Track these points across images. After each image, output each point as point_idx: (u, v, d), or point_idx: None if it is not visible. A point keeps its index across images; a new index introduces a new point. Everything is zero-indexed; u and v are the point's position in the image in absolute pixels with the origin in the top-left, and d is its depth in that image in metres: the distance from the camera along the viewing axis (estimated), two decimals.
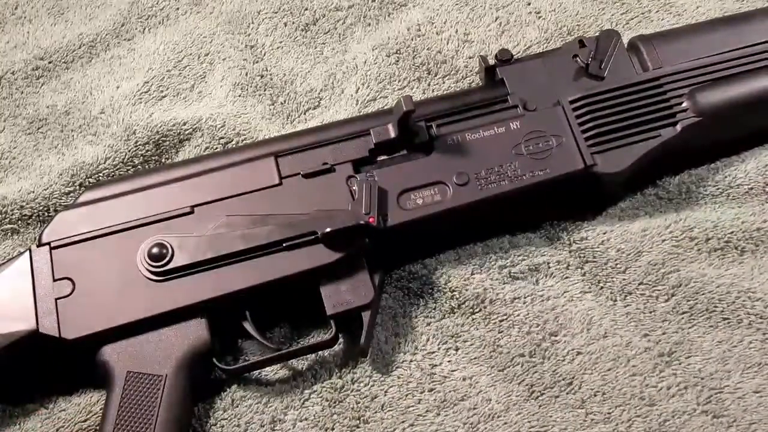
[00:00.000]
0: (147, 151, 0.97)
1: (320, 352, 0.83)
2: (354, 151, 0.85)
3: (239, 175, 0.84)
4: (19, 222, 0.93)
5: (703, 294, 0.82)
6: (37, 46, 1.08)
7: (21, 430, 0.81)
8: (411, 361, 0.82)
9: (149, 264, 0.79)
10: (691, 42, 0.90)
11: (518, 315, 0.83)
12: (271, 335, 0.85)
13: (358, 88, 1.01)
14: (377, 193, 0.81)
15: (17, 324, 0.77)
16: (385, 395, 0.80)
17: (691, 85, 0.87)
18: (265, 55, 1.06)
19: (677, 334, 0.81)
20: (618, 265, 0.85)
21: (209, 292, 0.79)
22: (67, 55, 1.07)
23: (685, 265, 0.84)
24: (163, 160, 0.98)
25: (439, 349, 0.83)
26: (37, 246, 0.81)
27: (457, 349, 0.83)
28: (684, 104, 0.86)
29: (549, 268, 0.86)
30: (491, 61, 0.91)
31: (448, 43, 1.04)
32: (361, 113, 0.99)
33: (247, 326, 0.80)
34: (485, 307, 0.84)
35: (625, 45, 0.90)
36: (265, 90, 1.03)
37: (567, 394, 0.79)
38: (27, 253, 0.81)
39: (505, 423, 0.78)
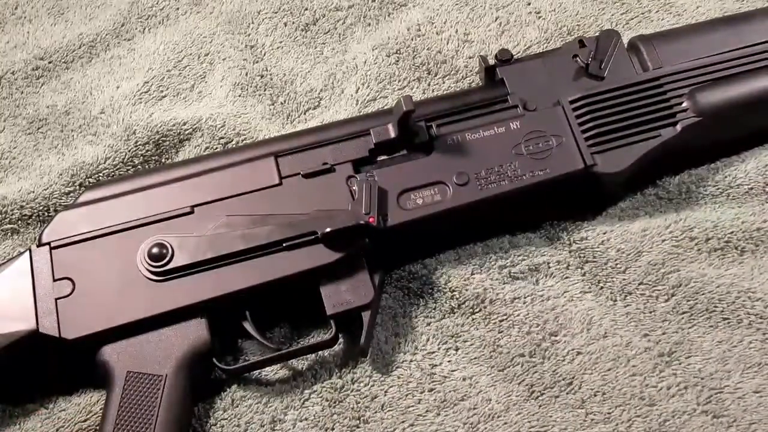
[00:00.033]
0: (147, 151, 0.97)
1: (320, 352, 0.83)
2: (354, 151, 0.85)
3: (239, 175, 0.84)
4: (19, 222, 0.93)
5: (703, 294, 0.82)
6: (37, 46, 1.08)
7: (21, 430, 0.81)
8: (411, 361, 0.82)
9: (149, 264, 0.79)
10: (691, 42, 0.90)
11: (518, 315, 0.83)
12: (271, 335, 0.85)
13: (358, 88, 1.01)
14: (377, 193, 0.81)
15: (17, 324, 0.77)
16: (385, 395, 0.81)
17: (691, 85, 0.87)
18: (265, 55, 1.06)
19: (677, 334, 0.81)
20: (618, 265, 0.85)
21: (209, 292, 0.79)
22: (67, 55, 1.07)
23: (685, 265, 0.84)
24: (163, 160, 0.98)
25: (439, 349, 0.83)
26: (37, 246, 0.81)
27: (457, 349, 0.83)
28: (684, 104, 0.86)
29: (549, 268, 0.86)
30: (491, 61, 0.91)
31: (448, 43, 1.04)
32: (361, 113, 0.99)
33: (247, 326, 0.80)
34: (485, 307, 0.84)
35: (625, 45, 0.90)
36: (265, 90, 1.03)
37: (567, 394, 0.79)
38: (27, 253, 0.81)
39: (505, 423, 0.78)
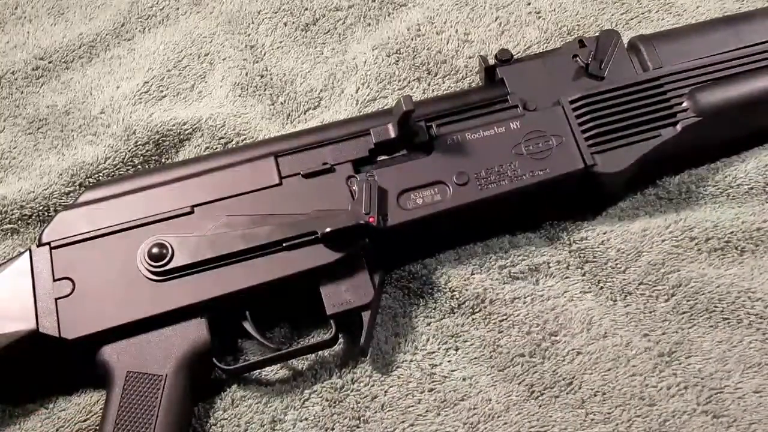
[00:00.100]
0: (147, 151, 0.97)
1: (320, 352, 0.83)
2: (354, 151, 0.85)
3: (239, 175, 0.84)
4: (19, 222, 0.93)
5: (703, 294, 0.82)
6: (37, 46, 1.08)
7: (21, 430, 0.81)
8: (411, 361, 0.82)
9: (149, 264, 0.79)
10: (691, 42, 0.90)
11: (518, 315, 0.83)
12: (271, 335, 0.85)
13: (358, 88, 1.01)
14: (377, 193, 0.81)
15: (17, 324, 0.77)
16: (385, 395, 0.80)
17: (692, 85, 0.87)
18: (265, 55, 1.06)
19: (677, 334, 0.81)
20: (618, 265, 0.85)
21: (209, 292, 0.79)
22: (67, 55, 1.07)
23: (685, 265, 0.84)
24: (163, 160, 0.98)
25: (439, 349, 0.83)
26: (37, 246, 0.81)
27: (457, 349, 0.83)
28: (684, 104, 0.86)
29: (549, 268, 0.86)
30: (491, 61, 0.91)
31: (448, 43, 1.04)
32: (361, 113, 0.99)
33: (247, 326, 0.80)
34: (485, 307, 0.84)
35: (625, 45, 0.90)
36: (265, 90, 1.03)
37: (567, 394, 0.79)
38: (27, 253, 0.81)
39: (505, 423, 0.78)
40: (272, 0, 1.10)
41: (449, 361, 0.82)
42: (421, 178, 0.84)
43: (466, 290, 0.84)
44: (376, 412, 0.80)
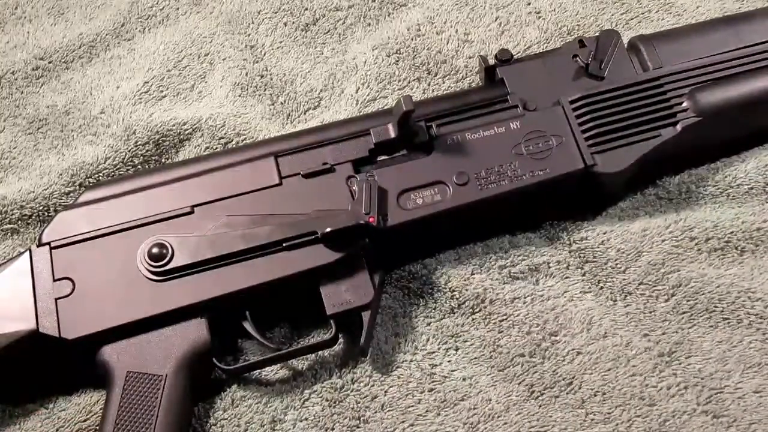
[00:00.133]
0: (147, 151, 0.97)
1: (320, 352, 0.83)
2: (354, 151, 0.85)
3: (239, 175, 0.84)
4: (19, 222, 0.93)
5: (703, 294, 0.82)
6: (37, 46, 1.08)
7: (21, 430, 0.81)
8: (411, 361, 0.82)
9: (149, 264, 0.79)
10: (691, 42, 0.90)
11: (518, 315, 0.83)
12: (271, 335, 0.85)
13: (358, 88, 1.01)
14: (377, 193, 0.81)
15: (17, 324, 0.77)
16: (385, 395, 0.80)
17: (692, 85, 0.87)
18: (265, 55, 1.06)
19: (677, 334, 0.81)
20: (618, 265, 0.85)
21: (209, 292, 0.79)
22: (67, 55, 1.07)
23: (685, 265, 0.84)
24: (163, 160, 0.98)
25: (439, 349, 0.83)
26: (37, 246, 0.81)
27: (457, 349, 0.83)
28: (684, 104, 0.86)
29: (549, 268, 0.86)
30: (491, 61, 0.91)
31: (448, 43, 1.04)
32: (361, 113, 0.99)
33: (247, 326, 0.80)
34: (485, 307, 0.84)
35: (625, 45, 0.90)
36: (265, 90, 1.03)
37: (567, 394, 0.79)
38: (27, 253, 0.81)
39: (505, 423, 0.78)
40: (272, 0, 1.10)
41: (449, 361, 0.82)
42: (421, 178, 0.84)
43: (466, 290, 0.84)
44: (376, 412, 0.80)
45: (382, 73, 1.02)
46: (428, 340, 0.83)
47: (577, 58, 0.89)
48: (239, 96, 1.02)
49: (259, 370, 0.83)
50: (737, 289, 0.82)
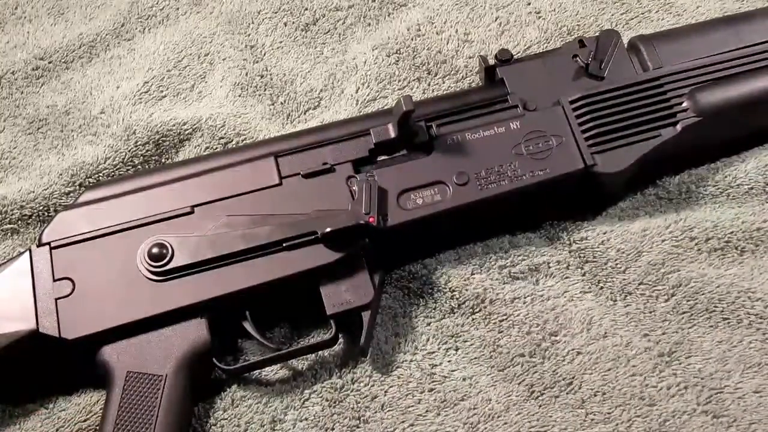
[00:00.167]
0: (147, 151, 0.97)
1: (320, 352, 0.83)
2: (354, 151, 0.85)
3: (239, 175, 0.84)
4: (19, 222, 0.93)
5: (703, 294, 0.82)
6: (37, 46, 1.08)
7: (21, 430, 0.81)
8: (411, 361, 0.82)
9: (149, 264, 0.79)
10: (691, 42, 0.90)
11: (518, 315, 0.83)
12: (271, 335, 0.85)
13: (358, 88, 1.01)
14: (377, 193, 0.81)
15: (17, 324, 0.77)
16: (385, 395, 0.80)
17: (692, 85, 0.87)
18: (265, 55, 1.06)
19: (677, 334, 0.81)
20: (618, 265, 0.85)
21: (209, 292, 0.79)
22: (67, 55, 1.07)
23: (685, 265, 0.84)
24: (163, 160, 0.98)
25: (439, 349, 0.83)
26: (37, 246, 0.81)
27: (457, 349, 0.83)
28: (684, 104, 0.86)
29: (549, 268, 0.86)
30: (491, 61, 0.91)
31: (448, 43, 1.04)
32: (361, 113, 0.99)
33: (247, 326, 0.80)
34: (485, 307, 0.84)
35: (625, 45, 0.90)
36: (265, 90, 1.03)
37: (567, 394, 0.79)
38: (27, 253, 0.81)
39: (505, 423, 0.78)
40: (272, 0, 1.10)
41: (449, 361, 0.82)
42: (421, 178, 0.84)
43: (466, 290, 0.84)
44: (376, 412, 0.80)
45: (382, 73, 1.02)
46: (428, 340, 0.83)
47: (577, 58, 0.89)
48: (239, 96, 1.02)
49: (259, 370, 0.83)
50: (737, 289, 0.82)
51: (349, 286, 0.80)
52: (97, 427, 0.77)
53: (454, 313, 0.85)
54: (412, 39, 1.04)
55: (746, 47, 0.89)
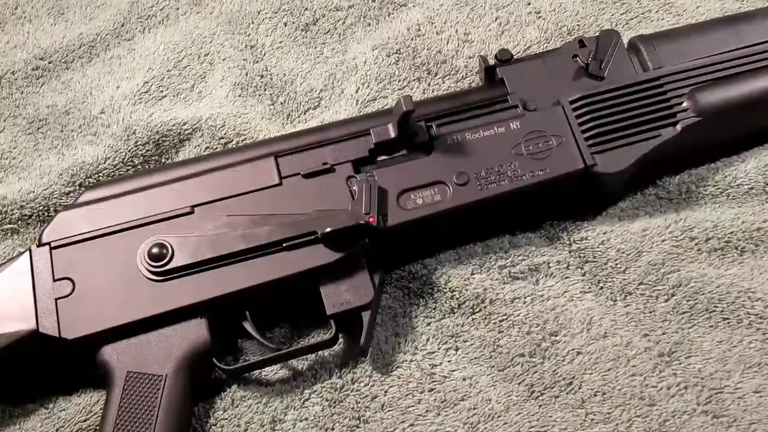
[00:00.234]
0: (147, 151, 0.97)
1: (320, 352, 0.83)
2: (354, 151, 0.85)
3: (239, 175, 0.84)
4: (19, 222, 0.93)
5: (703, 294, 0.82)
6: (37, 46, 1.08)
7: (21, 430, 0.81)
8: (411, 361, 0.82)
9: (149, 264, 0.79)
10: (691, 42, 0.90)
11: (518, 315, 0.83)
12: (271, 335, 0.85)
13: (358, 88, 1.01)
14: (377, 193, 0.81)
15: (17, 324, 0.77)
16: (385, 395, 0.80)
17: (692, 85, 0.87)
18: (265, 55, 1.06)
19: (677, 334, 0.81)
20: (618, 265, 0.85)
21: (209, 292, 0.79)
22: (67, 55, 1.07)
23: (685, 265, 0.84)
24: (163, 160, 0.98)
25: (439, 349, 0.83)
26: (37, 246, 0.81)
27: (457, 349, 0.83)
28: (684, 104, 0.86)
29: (549, 268, 0.86)
30: (491, 61, 0.91)
31: (448, 43, 1.04)
32: (361, 113, 0.99)
33: (247, 326, 0.80)
34: (485, 307, 0.84)
35: (625, 45, 0.90)
36: (265, 90, 1.03)
37: (567, 394, 0.79)
38: (27, 253, 0.81)
39: (505, 423, 0.78)
40: (272, 0, 1.10)
41: (449, 361, 0.82)
42: (421, 178, 0.84)
43: (466, 290, 0.84)
44: (376, 412, 0.80)
45: (382, 73, 1.02)
46: (428, 340, 0.83)
47: (577, 58, 0.89)
48: (239, 96, 1.02)
49: (259, 370, 0.83)
50: (737, 289, 0.82)
51: (349, 286, 0.80)
52: (97, 427, 0.77)
53: (454, 313, 0.85)
54: (412, 39, 1.04)
55: (746, 47, 0.89)
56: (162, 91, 1.03)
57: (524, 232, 0.89)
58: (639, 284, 0.84)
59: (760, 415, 0.76)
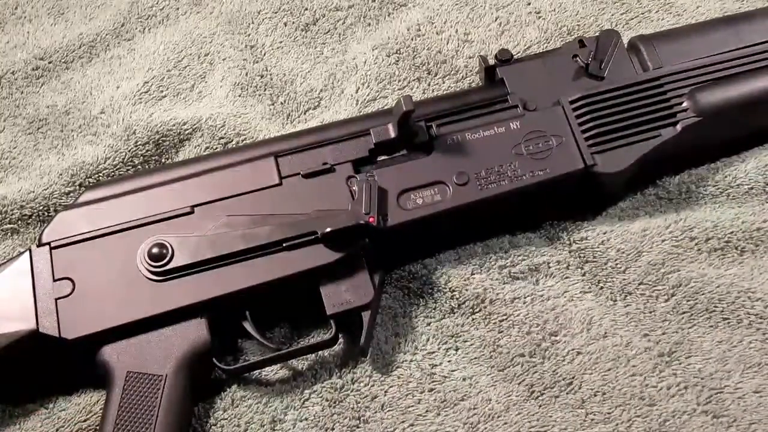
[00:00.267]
0: (147, 151, 0.97)
1: (320, 352, 0.83)
2: (354, 151, 0.85)
3: (239, 175, 0.84)
4: (19, 222, 0.93)
5: (703, 294, 0.82)
6: (37, 46, 1.08)
7: (21, 430, 0.81)
8: (411, 361, 0.82)
9: (149, 264, 0.79)
10: (691, 42, 0.90)
11: (518, 315, 0.83)
12: (271, 335, 0.85)
13: (358, 88, 1.01)
14: (377, 193, 0.81)
15: (17, 324, 0.77)
16: (385, 395, 0.80)
17: (692, 85, 0.87)
18: (265, 55, 1.06)
19: (677, 334, 0.81)
20: (618, 265, 0.85)
21: (209, 292, 0.79)
22: (67, 55, 1.07)
23: (685, 265, 0.84)
24: (163, 160, 0.98)
25: (439, 349, 0.83)
26: (37, 246, 0.81)
27: (457, 349, 0.83)
28: (684, 104, 0.86)
29: (549, 268, 0.86)
30: (491, 61, 0.91)
31: (448, 43, 1.04)
32: (361, 113, 0.99)
33: (247, 326, 0.80)
34: (485, 307, 0.84)
35: (625, 45, 0.90)
36: (265, 90, 1.03)
37: (567, 394, 0.79)
38: (27, 253, 0.81)
39: (505, 423, 0.78)
40: (272, 0, 1.10)
41: (449, 361, 0.82)
42: (421, 178, 0.84)
43: (466, 290, 0.84)
44: (376, 412, 0.80)
45: (382, 73, 1.02)
46: (428, 340, 0.83)
47: (577, 58, 0.89)
48: (239, 96, 1.02)
49: (259, 370, 0.83)
50: (737, 289, 0.82)
51: (349, 286, 0.80)
52: (97, 427, 0.77)
53: (454, 313, 0.85)
54: (412, 39, 1.04)
55: (746, 47, 0.89)
56: (162, 91, 1.03)
57: (524, 232, 0.89)
58: (639, 284, 0.84)
59: (760, 415, 0.76)
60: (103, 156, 0.96)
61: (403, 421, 0.79)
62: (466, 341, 0.83)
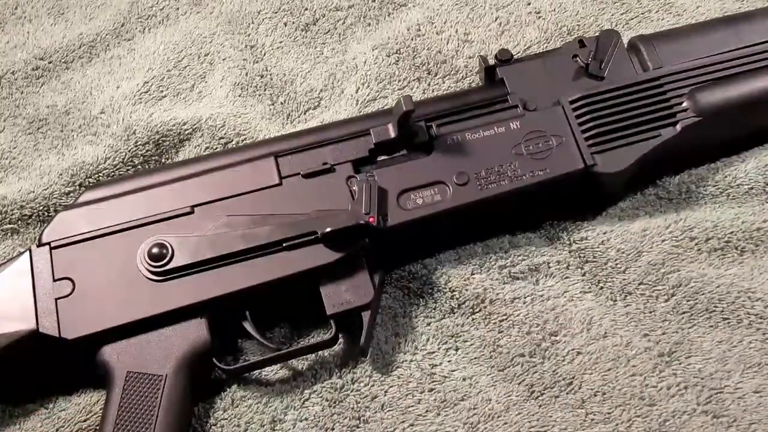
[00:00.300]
0: (147, 151, 0.97)
1: (320, 352, 0.83)
2: (354, 151, 0.85)
3: (239, 175, 0.84)
4: (19, 222, 0.93)
5: (703, 294, 0.82)
6: (37, 46, 1.08)
7: (21, 430, 0.81)
8: (411, 361, 0.82)
9: (149, 264, 0.79)
10: (691, 42, 0.90)
11: (518, 315, 0.83)
12: (271, 335, 0.85)
13: (358, 88, 1.01)
14: (377, 193, 0.81)
15: (17, 324, 0.77)
16: (385, 395, 0.80)
17: (691, 85, 0.87)
18: (265, 55, 1.06)
19: (677, 334, 0.81)
20: (618, 265, 0.85)
21: (209, 292, 0.79)
22: (67, 55, 1.07)
23: (685, 265, 0.84)
24: (163, 160, 0.98)
25: (439, 349, 0.83)
26: (37, 246, 0.81)
27: (457, 349, 0.83)
28: (684, 104, 0.86)
29: (549, 268, 0.86)
30: (491, 61, 0.91)
31: (448, 43, 1.04)
32: (361, 113, 0.99)
33: (247, 326, 0.80)
34: (485, 307, 0.84)
35: (625, 45, 0.90)
36: (265, 90, 1.03)
37: (567, 394, 0.79)
38: (27, 253, 0.81)
39: (505, 423, 0.78)
40: (272, 0, 1.10)
41: (449, 361, 0.82)
42: (421, 178, 0.84)
43: (466, 290, 0.84)
44: (376, 412, 0.80)
45: (382, 73, 1.02)
46: (428, 340, 0.83)
47: (577, 58, 0.89)
48: (239, 96, 1.02)
49: (259, 370, 0.83)
50: (737, 289, 0.82)
51: (349, 286, 0.80)
52: (97, 427, 0.77)
53: (454, 313, 0.85)
54: (412, 39, 1.04)
55: (746, 47, 0.89)
56: (162, 91, 1.03)
57: (524, 232, 0.89)
58: (639, 284, 0.84)
59: (760, 415, 0.76)
60: (103, 156, 0.96)
61: (403, 421, 0.79)
62: (466, 341, 0.83)
